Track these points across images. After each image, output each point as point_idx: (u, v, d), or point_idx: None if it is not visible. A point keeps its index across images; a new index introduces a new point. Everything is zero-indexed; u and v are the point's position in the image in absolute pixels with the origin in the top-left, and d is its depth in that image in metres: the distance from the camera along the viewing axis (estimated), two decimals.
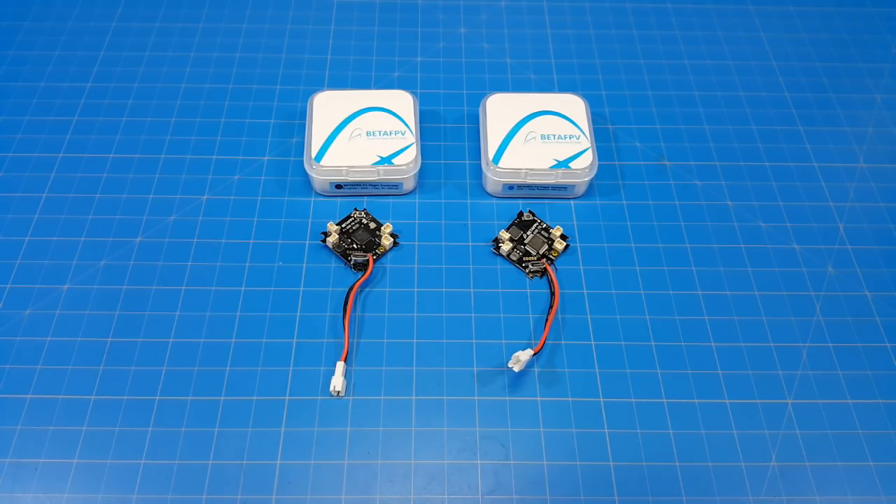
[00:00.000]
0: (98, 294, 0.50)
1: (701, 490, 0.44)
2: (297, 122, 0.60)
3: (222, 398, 0.46)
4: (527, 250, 0.53)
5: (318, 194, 0.56)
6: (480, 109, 0.58)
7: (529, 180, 0.54)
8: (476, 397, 0.47)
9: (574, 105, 0.57)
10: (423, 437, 0.45)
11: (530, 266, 0.52)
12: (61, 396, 0.46)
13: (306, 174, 0.56)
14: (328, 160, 0.53)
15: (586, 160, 0.54)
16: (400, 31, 0.67)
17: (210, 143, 0.58)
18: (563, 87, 0.63)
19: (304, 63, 0.64)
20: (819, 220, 0.56)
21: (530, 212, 0.55)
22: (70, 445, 0.44)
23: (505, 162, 0.54)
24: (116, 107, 0.61)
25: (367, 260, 0.51)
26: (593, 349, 0.49)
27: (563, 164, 0.54)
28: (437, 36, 0.67)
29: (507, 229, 0.54)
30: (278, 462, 0.44)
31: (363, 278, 0.50)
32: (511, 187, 0.55)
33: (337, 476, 0.44)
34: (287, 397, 0.46)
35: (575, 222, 0.55)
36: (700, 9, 0.70)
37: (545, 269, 0.52)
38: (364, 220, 0.54)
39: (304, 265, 0.52)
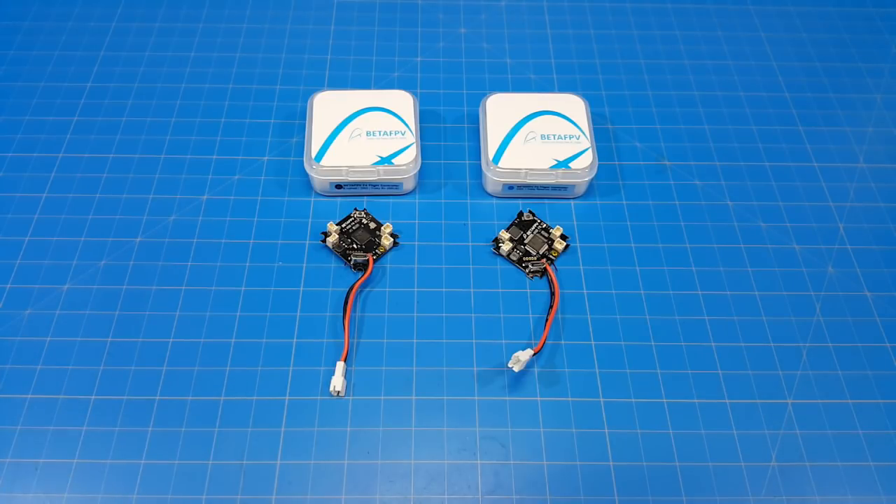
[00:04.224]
0: (98, 294, 0.50)
1: (701, 490, 0.44)
2: (297, 122, 0.60)
3: (222, 398, 0.46)
4: (527, 250, 0.53)
5: (318, 194, 0.56)
6: (480, 109, 0.58)
7: (529, 180, 0.54)
8: (476, 397, 0.47)
9: (574, 105, 0.57)
10: (423, 437, 0.45)
11: (530, 266, 0.52)
12: (61, 396, 0.46)
13: (306, 174, 0.56)
14: (328, 160, 0.53)
15: (586, 160, 0.54)
16: (400, 31, 0.67)
17: (210, 143, 0.58)
18: (563, 87, 0.63)
19: (304, 63, 0.64)
20: (819, 220, 0.56)
21: (530, 212, 0.55)
22: (70, 445, 0.44)
23: (505, 162, 0.54)
24: (116, 107, 0.61)
25: (367, 260, 0.51)
26: (593, 349, 0.49)
27: (563, 164, 0.54)
28: (437, 36, 0.67)
29: (507, 229, 0.54)
30: (278, 462, 0.44)
31: (363, 278, 0.50)
32: (511, 187, 0.55)
33: (337, 476, 0.44)
34: (287, 397, 0.46)
35: (575, 222, 0.55)
36: (700, 9, 0.70)
37: (545, 269, 0.52)
38: (364, 220, 0.54)
39: (304, 265, 0.52)
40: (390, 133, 0.55)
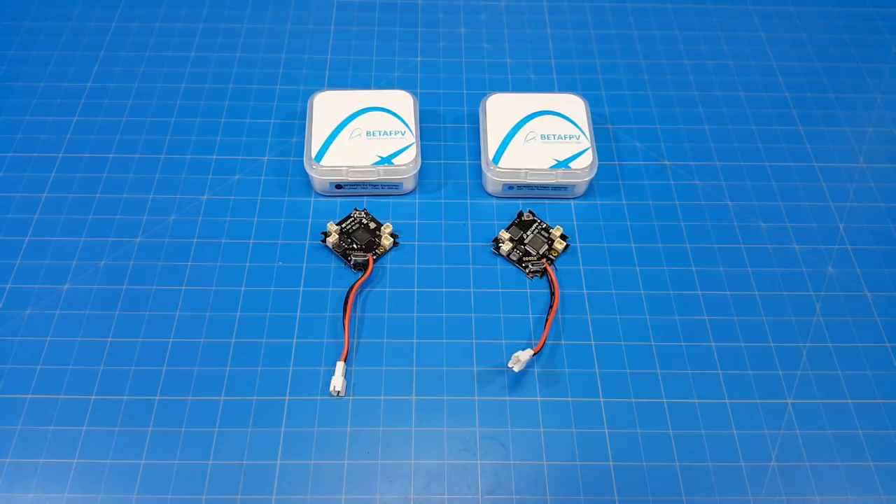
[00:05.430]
0: (98, 294, 0.50)
1: (701, 490, 0.44)
2: (297, 122, 0.60)
3: (222, 398, 0.46)
4: (527, 250, 0.53)
5: (318, 194, 0.56)
6: (480, 109, 0.58)
7: (529, 180, 0.54)
8: (476, 397, 0.47)
9: (574, 105, 0.57)
10: (423, 437, 0.45)
11: (530, 266, 0.52)
12: (61, 396, 0.46)
13: (306, 174, 0.56)
14: (328, 160, 0.53)
15: (586, 160, 0.54)
16: (400, 31, 0.67)
17: (210, 143, 0.58)
18: (563, 87, 0.63)
19: (304, 63, 0.64)
20: (819, 220, 0.56)
21: (530, 212, 0.55)
22: (70, 445, 0.44)
23: (505, 162, 0.54)
24: (116, 107, 0.61)
25: (367, 260, 0.51)
26: (593, 349, 0.49)
27: (563, 164, 0.54)
28: (437, 36, 0.67)
29: (507, 229, 0.54)
30: (278, 462, 0.44)
31: (363, 278, 0.50)
32: (511, 187, 0.55)
33: (337, 476, 0.44)
34: (287, 397, 0.46)
35: (575, 222, 0.55)
36: (700, 9, 0.70)
37: (545, 269, 0.52)
38: (364, 220, 0.54)
39: (304, 265, 0.52)
40: (390, 133, 0.55)
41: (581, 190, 0.56)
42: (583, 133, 0.55)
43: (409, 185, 0.55)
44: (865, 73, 0.66)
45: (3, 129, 0.59)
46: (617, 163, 0.58)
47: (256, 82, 0.63)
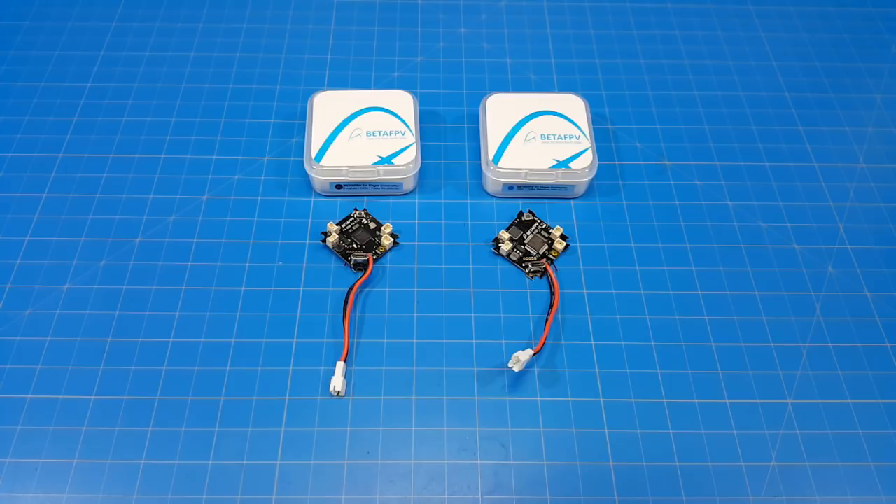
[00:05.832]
0: (98, 294, 0.50)
1: (701, 490, 0.44)
2: (297, 122, 0.60)
3: (222, 398, 0.46)
4: (527, 250, 0.53)
5: (318, 194, 0.56)
6: (480, 109, 0.58)
7: (529, 180, 0.54)
8: (476, 397, 0.47)
9: (574, 105, 0.57)
10: (423, 437, 0.45)
11: (530, 266, 0.52)
12: (61, 396, 0.46)
13: (306, 174, 0.56)
14: (328, 160, 0.53)
15: (586, 160, 0.54)
16: (400, 31, 0.67)
17: (210, 143, 0.58)
18: (563, 87, 0.63)
19: (304, 63, 0.64)
20: (819, 220, 0.56)
21: (530, 212, 0.55)
22: (70, 445, 0.44)
23: (505, 162, 0.54)
24: (116, 107, 0.61)
25: (367, 260, 0.51)
26: (593, 349, 0.49)
27: (563, 164, 0.54)
28: (437, 36, 0.67)
29: (507, 229, 0.54)
30: (278, 462, 0.44)
31: (363, 278, 0.50)
32: (511, 187, 0.55)
33: (337, 476, 0.44)
34: (287, 397, 0.46)
35: (575, 222, 0.55)
36: (700, 9, 0.70)
37: (545, 269, 0.52)
38: (364, 220, 0.54)
39: (304, 265, 0.52)
40: (390, 133, 0.55)
41: (581, 190, 0.56)
42: (583, 133, 0.55)
43: (409, 185, 0.55)
44: (865, 73, 0.66)
45: (3, 129, 0.59)
46: (617, 163, 0.58)
47: (256, 82, 0.63)
